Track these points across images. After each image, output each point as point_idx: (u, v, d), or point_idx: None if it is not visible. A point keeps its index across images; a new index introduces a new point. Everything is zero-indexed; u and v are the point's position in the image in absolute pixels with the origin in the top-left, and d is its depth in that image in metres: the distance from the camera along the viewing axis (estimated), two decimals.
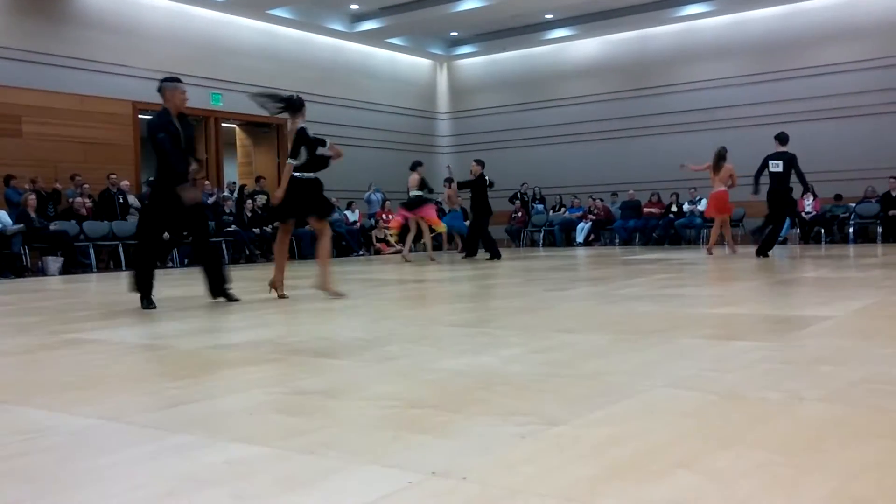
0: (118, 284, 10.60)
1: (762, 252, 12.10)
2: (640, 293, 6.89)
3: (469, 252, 14.70)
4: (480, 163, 14.52)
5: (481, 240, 14.42)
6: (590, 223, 20.05)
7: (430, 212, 14.39)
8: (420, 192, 14.03)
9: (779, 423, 2.50)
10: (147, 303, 6.71)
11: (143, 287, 6.76)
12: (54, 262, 13.05)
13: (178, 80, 6.95)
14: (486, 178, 14.36)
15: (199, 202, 7.26)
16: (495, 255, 14.03)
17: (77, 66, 15.56)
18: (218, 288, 7.13)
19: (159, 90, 6.85)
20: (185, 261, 15.48)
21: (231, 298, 7.11)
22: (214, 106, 17.94)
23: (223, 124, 18.51)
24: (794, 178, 11.93)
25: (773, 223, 12.34)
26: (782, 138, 12.14)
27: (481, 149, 22.89)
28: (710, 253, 13.04)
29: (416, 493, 1.92)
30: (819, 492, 1.84)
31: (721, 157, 13.06)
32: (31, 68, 14.90)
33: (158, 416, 2.81)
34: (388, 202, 19.41)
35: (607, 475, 2.00)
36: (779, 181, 12.04)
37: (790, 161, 11.87)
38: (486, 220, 14.43)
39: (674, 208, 19.04)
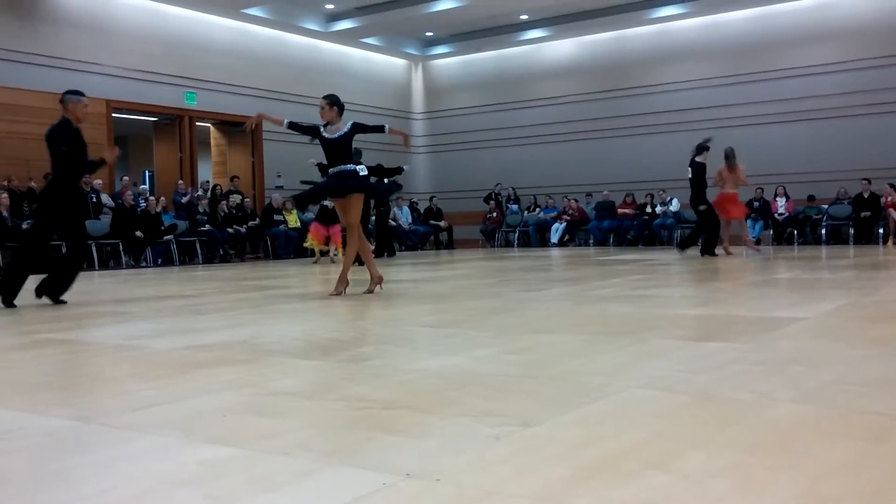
0: (91, 284, 10.52)
1: (707, 251, 12.95)
2: (614, 294, 6.92)
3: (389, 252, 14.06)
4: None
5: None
6: (564, 224, 20.10)
7: (338, 234, 13.39)
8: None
9: (750, 423, 2.53)
10: (10, 304, 6.86)
11: (13, 289, 6.89)
12: None
13: (82, 94, 7.10)
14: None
15: (84, 205, 7.33)
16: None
17: (50, 64, 15.41)
18: (55, 290, 7.14)
19: (62, 101, 6.99)
20: (160, 260, 15.40)
21: (57, 301, 7.15)
22: (188, 105, 17.85)
23: (197, 123, 18.42)
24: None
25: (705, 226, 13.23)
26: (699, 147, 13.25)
27: (456, 149, 22.96)
28: (728, 253, 13.13)
29: (391, 495, 1.92)
30: (790, 492, 1.86)
31: (733, 156, 13.14)
32: (3, 66, 14.75)
33: (131, 416, 2.79)
34: None
35: (580, 476, 2.01)
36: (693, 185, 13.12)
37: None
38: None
39: (648, 209, 19.13)
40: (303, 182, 9.02)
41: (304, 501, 1.91)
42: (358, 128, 7.44)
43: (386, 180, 13.05)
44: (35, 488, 2.06)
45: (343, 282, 7.41)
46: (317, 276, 10.81)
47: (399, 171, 13.95)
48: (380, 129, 7.67)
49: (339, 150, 7.36)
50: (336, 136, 7.32)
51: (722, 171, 13.04)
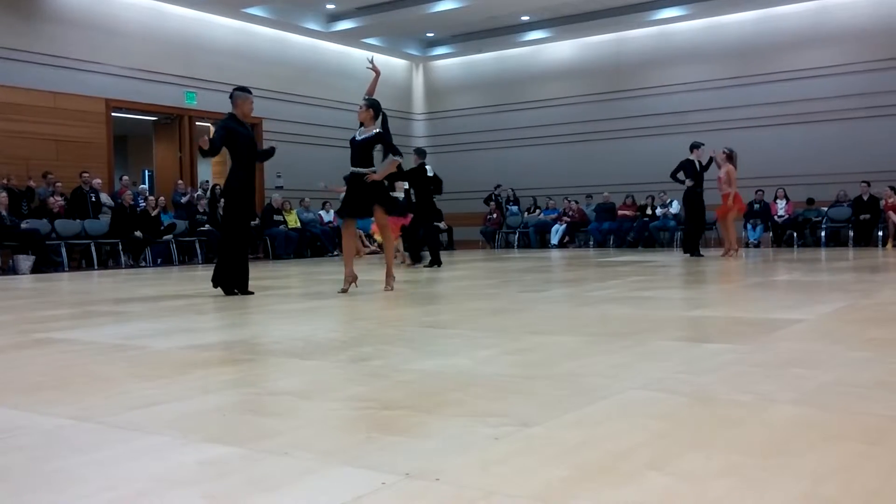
0: (90, 283, 10.53)
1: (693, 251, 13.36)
2: (613, 295, 6.93)
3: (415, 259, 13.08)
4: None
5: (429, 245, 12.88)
6: (564, 225, 20.11)
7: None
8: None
9: (750, 425, 2.53)
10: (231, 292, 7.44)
11: (232, 279, 7.48)
12: (25, 261, 12.93)
13: (250, 92, 7.72)
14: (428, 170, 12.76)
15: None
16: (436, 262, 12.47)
17: (50, 62, 15.42)
18: (240, 283, 7.59)
19: (231, 97, 7.57)
20: (159, 260, 15.39)
21: (245, 292, 7.60)
22: (189, 104, 17.84)
23: (197, 123, 18.40)
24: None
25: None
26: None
27: (456, 150, 22.94)
28: (736, 252, 13.21)
29: (390, 495, 1.92)
30: (789, 493, 1.86)
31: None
32: (3, 64, 14.74)
33: (131, 416, 2.79)
34: None
35: (580, 476, 2.01)
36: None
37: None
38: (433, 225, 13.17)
39: (648, 211, 19.13)
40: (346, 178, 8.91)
41: (303, 501, 1.91)
42: (379, 138, 7.70)
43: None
44: (33, 487, 2.05)
45: (391, 277, 7.80)
46: (315, 277, 10.80)
47: (439, 185, 13.38)
48: (392, 151, 7.88)
49: (360, 151, 7.66)
50: (360, 137, 7.65)
51: (731, 171, 13.13)
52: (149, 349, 4.38)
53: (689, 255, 13.23)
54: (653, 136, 19.95)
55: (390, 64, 23.04)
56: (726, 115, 19.00)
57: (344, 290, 7.58)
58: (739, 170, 13.43)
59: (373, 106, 7.75)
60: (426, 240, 12.80)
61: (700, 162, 13.22)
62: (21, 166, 14.66)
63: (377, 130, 7.67)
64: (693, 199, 13.31)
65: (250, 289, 7.63)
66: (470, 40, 22.03)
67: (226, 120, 7.54)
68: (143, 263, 15.02)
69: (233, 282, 7.52)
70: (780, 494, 1.86)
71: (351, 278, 7.65)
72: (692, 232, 13.57)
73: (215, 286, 7.59)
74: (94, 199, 14.90)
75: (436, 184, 13.02)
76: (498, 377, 3.34)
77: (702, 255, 13.02)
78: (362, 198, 7.58)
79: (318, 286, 8.56)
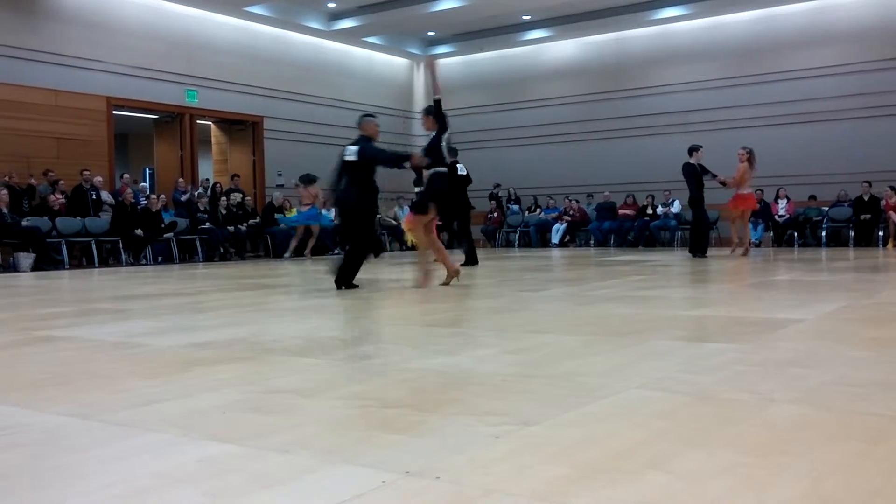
0: (91, 281, 10.53)
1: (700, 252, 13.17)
2: (614, 295, 6.93)
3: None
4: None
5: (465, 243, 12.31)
6: (565, 224, 20.10)
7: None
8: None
9: (750, 424, 2.53)
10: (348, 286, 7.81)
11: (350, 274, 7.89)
12: (26, 259, 12.93)
13: (374, 116, 8.49)
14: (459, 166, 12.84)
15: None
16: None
17: (51, 60, 15.42)
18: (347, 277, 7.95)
19: (359, 124, 8.29)
20: (160, 258, 15.40)
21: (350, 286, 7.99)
22: (189, 103, 17.84)
23: (198, 121, 18.41)
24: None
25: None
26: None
27: (457, 148, 22.90)
28: (746, 250, 13.21)
29: (390, 493, 1.92)
30: (789, 493, 1.86)
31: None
32: (4, 62, 14.73)
33: (131, 414, 2.79)
34: None
35: (580, 475, 2.01)
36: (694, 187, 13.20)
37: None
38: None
39: (649, 210, 19.12)
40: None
41: (304, 499, 1.91)
42: (436, 142, 8.43)
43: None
44: (34, 484, 2.06)
45: (451, 272, 8.16)
46: (315, 276, 10.81)
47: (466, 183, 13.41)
48: (401, 160, 8.50)
49: (429, 153, 8.29)
50: (427, 143, 8.39)
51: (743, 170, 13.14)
52: (149, 347, 4.38)
53: (695, 255, 13.06)
54: (654, 135, 19.93)
55: (391, 63, 23.06)
56: (727, 114, 18.99)
57: (448, 282, 8.07)
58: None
59: (427, 112, 8.60)
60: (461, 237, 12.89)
61: (701, 165, 13.11)
62: (22, 164, 14.66)
63: (434, 133, 8.44)
64: (697, 203, 13.16)
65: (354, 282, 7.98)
66: (471, 39, 22.01)
67: (366, 140, 8.07)
68: (144, 261, 15.02)
69: (343, 278, 7.91)
70: (781, 494, 1.86)
71: (453, 272, 8.13)
72: (700, 234, 13.33)
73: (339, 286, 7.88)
74: (94, 197, 14.90)
75: (466, 182, 13.25)
76: (498, 376, 3.34)
77: (706, 257, 12.89)
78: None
79: (318, 284, 8.55)
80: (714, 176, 13.19)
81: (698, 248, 13.19)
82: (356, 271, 7.98)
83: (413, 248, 15.66)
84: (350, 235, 8.20)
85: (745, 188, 13.39)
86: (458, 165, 12.49)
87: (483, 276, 10.08)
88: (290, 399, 2.97)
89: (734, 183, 13.27)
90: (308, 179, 16.59)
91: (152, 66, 17.04)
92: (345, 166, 7.88)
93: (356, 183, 7.85)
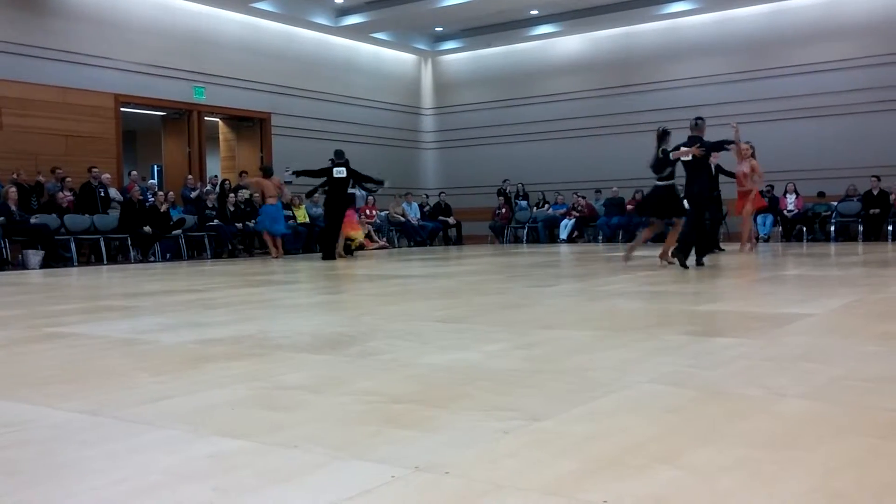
0: (99, 278, 10.56)
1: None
2: (622, 290, 6.92)
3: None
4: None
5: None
6: (573, 220, 20.08)
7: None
8: None
9: (759, 419, 2.52)
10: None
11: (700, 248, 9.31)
12: (35, 256, 12.97)
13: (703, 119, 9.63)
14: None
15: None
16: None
17: (59, 58, 15.45)
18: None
19: (695, 126, 9.49)
20: (168, 255, 15.43)
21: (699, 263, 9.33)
22: (197, 99, 17.87)
23: (206, 118, 18.43)
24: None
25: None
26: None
27: (465, 145, 22.95)
28: (751, 250, 13.15)
29: (400, 488, 1.92)
30: (799, 487, 1.86)
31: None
32: (12, 60, 14.78)
33: (140, 410, 2.80)
34: (370, 197, 19.29)
35: (589, 470, 2.01)
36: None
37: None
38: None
39: None
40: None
41: (313, 494, 1.91)
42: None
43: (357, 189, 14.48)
44: (44, 480, 2.06)
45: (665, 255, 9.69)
46: (324, 273, 10.82)
47: (380, 183, 14.49)
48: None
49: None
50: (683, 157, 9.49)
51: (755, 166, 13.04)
52: (158, 344, 4.39)
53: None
54: None
55: (399, 59, 23.06)
56: (737, 109, 18.89)
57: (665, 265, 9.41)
58: None
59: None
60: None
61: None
62: (30, 161, 14.70)
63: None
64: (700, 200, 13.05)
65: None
66: (479, 35, 22.01)
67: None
68: (152, 258, 15.04)
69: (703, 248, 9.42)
70: (791, 488, 1.85)
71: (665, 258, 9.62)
72: (703, 235, 13.09)
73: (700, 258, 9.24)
74: (102, 194, 14.92)
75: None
76: (507, 371, 3.34)
77: (718, 251, 12.73)
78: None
79: (325, 281, 8.56)
80: (730, 173, 13.15)
81: (703, 251, 12.87)
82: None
83: (360, 248, 16.09)
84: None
85: (751, 183, 13.24)
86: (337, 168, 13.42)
87: (491, 272, 10.08)
88: (299, 395, 2.97)
89: (741, 156, 13.07)
90: (269, 171, 15.90)
91: (160, 63, 17.07)
92: None
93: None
